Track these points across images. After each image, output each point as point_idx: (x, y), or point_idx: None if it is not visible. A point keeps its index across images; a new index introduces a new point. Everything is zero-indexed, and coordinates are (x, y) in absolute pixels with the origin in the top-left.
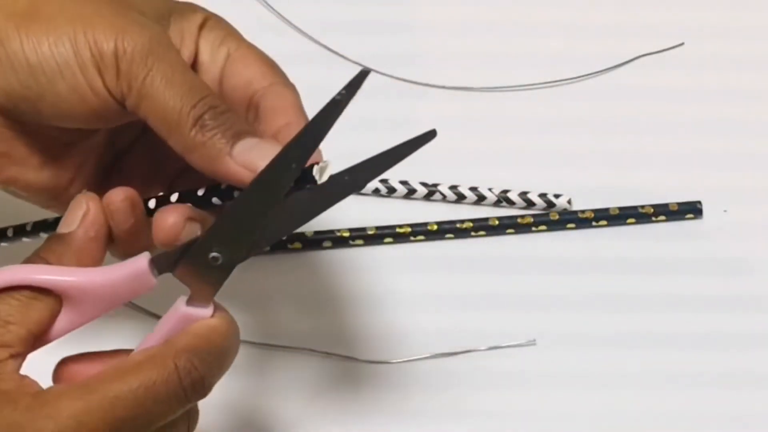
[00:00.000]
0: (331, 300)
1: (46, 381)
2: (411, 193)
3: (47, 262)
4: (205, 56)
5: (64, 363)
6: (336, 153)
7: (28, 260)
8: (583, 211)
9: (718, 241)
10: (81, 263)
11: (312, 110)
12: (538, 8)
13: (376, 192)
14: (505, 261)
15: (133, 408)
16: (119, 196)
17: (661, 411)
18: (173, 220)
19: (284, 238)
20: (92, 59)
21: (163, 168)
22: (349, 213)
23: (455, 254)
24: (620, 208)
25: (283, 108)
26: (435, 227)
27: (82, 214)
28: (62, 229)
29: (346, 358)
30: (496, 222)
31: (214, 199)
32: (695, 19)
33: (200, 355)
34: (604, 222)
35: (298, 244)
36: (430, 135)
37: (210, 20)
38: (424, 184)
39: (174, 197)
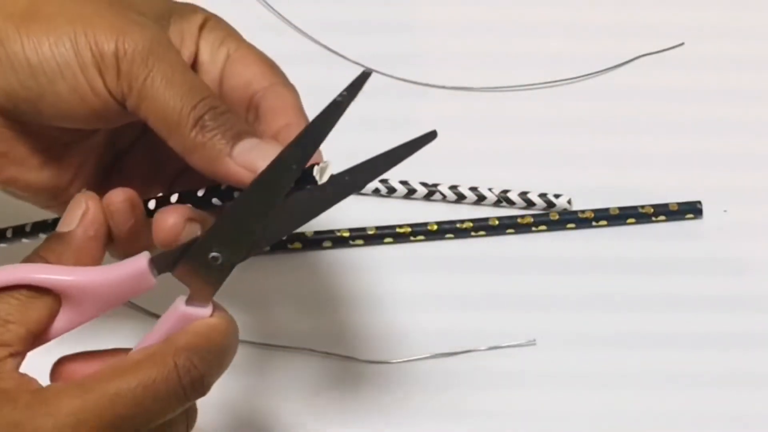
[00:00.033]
0: (331, 300)
1: (45, 380)
2: (411, 193)
3: (46, 261)
4: (205, 57)
5: (61, 362)
6: (336, 153)
7: (28, 259)
8: (583, 211)
9: (718, 241)
10: (80, 262)
11: (312, 110)
12: (538, 8)
13: (376, 192)
14: (505, 261)
15: (133, 406)
16: (119, 196)
17: (661, 411)
18: (173, 221)
19: (284, 238)
20: (93, 60)
21: (163, 168)
22: (349, 213)
23: (455, 254)
24: (620, 208)
25: (283, 108)
26: (435, 227)
27: (82, 213)
28: (62, 228)
29: (346, 358)
30: (496, 222)
31: (214, 200)
32: (695, 19)
33: (200, 353)
34: (604, 222)
35: (298, 244)
36: (431, 136)
37: (210, 21)
38: (424, 184)
39: (174, 198)
